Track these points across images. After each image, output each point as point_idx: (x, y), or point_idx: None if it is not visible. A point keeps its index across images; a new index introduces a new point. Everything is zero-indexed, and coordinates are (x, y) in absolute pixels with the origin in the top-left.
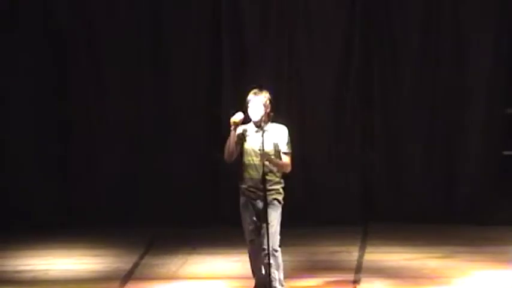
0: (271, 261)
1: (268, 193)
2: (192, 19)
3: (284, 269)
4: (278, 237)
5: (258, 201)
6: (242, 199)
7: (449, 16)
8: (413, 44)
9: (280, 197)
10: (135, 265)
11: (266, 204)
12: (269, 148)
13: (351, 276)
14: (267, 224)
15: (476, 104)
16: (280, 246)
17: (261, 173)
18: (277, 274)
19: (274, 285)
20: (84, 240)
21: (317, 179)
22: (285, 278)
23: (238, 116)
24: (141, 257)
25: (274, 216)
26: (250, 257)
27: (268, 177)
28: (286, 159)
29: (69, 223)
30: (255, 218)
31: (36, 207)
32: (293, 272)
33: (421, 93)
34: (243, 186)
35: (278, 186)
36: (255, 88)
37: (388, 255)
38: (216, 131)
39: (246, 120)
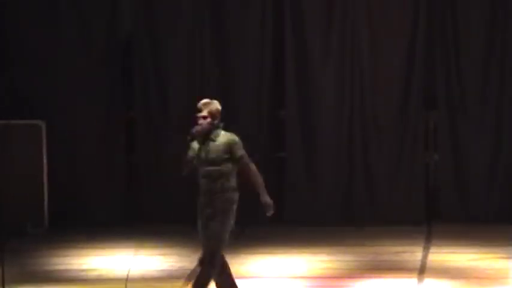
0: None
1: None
2: (253, 20)
3: (347, 269)
4: None
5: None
6: (234, 207)
7: None
8: (478, 41)
9: None
10: None
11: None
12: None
13: (414, 276)
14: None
15: None
16: None
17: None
18: None
19: None
20: (148, 239)
21: (381, 179)
22: (349, 277)
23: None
24: None
25: None
26: (222, 268)
27: None
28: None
29: (135, 222)
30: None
31: (102, 206)
32: (357, 272)
33: (486, 91)
34: (237, 194)
35: None
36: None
37: (452, 255)
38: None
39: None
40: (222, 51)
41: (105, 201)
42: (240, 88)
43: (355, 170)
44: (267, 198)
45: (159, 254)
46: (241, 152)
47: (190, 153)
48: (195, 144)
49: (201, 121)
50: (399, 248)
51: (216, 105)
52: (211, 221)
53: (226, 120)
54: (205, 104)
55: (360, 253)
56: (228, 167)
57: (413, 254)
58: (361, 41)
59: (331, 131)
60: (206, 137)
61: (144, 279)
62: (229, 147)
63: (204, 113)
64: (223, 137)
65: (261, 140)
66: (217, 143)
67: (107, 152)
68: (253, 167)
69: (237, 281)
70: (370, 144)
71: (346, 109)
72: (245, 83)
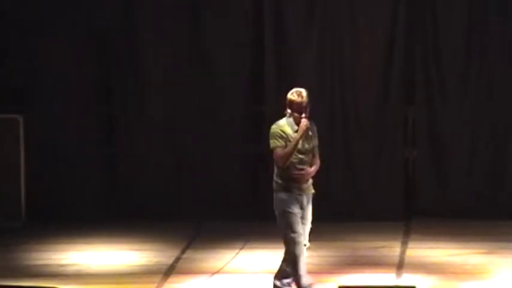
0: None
1: (308, 187)
2: (232, 18)
3: (326, 264)
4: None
5: (303, 196)
6: (286, 195)
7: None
8: (458, 34)
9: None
10: (177, 259)
11: (308, 200)
12: (310, 145)
13: (393, 272)
14: (307, 219)
15: None
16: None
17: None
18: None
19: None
20: (126, 235)
21: (361, 174)
22: (326, 273)
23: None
24: (183, 252)
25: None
26: (298, 255)
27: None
28: (318, 154)
29: (113, 218)
30: (300, 213)
31: (82, 201)
32: (336, 267)
33: (465, 86)
34: (289, 182)
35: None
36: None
37: (430, 250)
38: (258, 127)
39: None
40: (201, 46)
41: (84, 196)
42: (219, 84)
43: (334, 165)
44: None
45: (137, 249)
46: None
47: (281, 142)
48: (288, 132)
49: (305, 114)
50: (378, 243)
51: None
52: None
53: (208, 115)
54: (306, 96)
55: (339, 248)
56: None
57: (392, 249)
58: (341, 36)
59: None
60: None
61: (121, 275)
62: (316, 134)
63: (306, 104)
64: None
65: (241, 136)
66: (310, 133)
67: (86, 147)
68: None
69: (215, 277)
70: (349, 139)
71: (326, 105)
72: (225, 78)
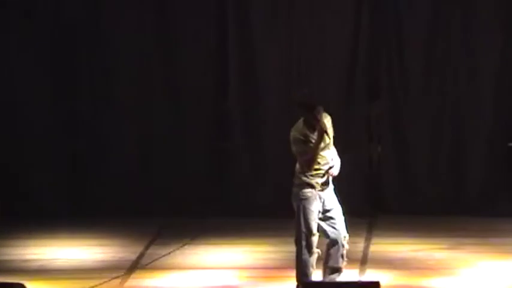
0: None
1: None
2: (198, 11)
3: (291, 260)
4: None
5: (325, 192)
6: (310, 191)
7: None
8: (422, 31)
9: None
10: (141, 255)
11: (331, 194)
12: (331, 142)
13: (356, 267)
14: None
15: (485, 96)
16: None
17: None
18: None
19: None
20: (90, 230)
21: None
22: (291, 268)
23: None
24: (147, 247)
25: (339, 205)
26: (310, 250)
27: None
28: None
29: (77, 213)
30: (320, 210)
31: (44, 197)
32: None
33: (429, 83)
34: (314, 180)
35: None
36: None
37: (394, 246)
38: (224, 123)
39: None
40: (166, 40)
41: (48, 192)
42: (184, 79)
43: None
44: None
45: (101, 245)
46: None
47: (304, 148)
48: (308, 134)
49: (318, 116)
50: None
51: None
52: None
53: (173, 111)
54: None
55: None
56: None
57: (356, 244)
58: (305, 34)
59: (275, 123)
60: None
61: (85, 270)
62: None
63: (319, 107)
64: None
65: (207, 133)
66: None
67: (50, 143)
68: None
69: (180, 273)
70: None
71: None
72: (189, 74)
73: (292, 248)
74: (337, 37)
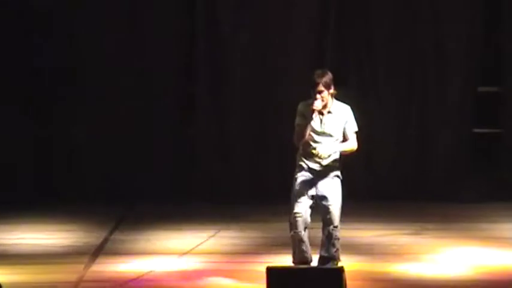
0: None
1: (328, 170)
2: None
3: (257, 245)
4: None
5: (318, 177)
6: (298, 173)
7: None
8: (389, 20)
9: (339, 173)
10: (105, 240)
11: (327, 181)
12: (332, 129)
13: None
14: (328, 201)
15: (450, 82)
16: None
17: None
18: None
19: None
20: (54, 216)
21: (291, 160)
22: (256, 253)
23: (319, 104)
24: (111, 233)
25: (336, 193)
26: (292, 229)
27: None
28: (352, 138)
29: (40, 199)
30: (309, 193)
31: (7, 182)
32: (264, 248)
33: (394, 72)
34: (303, 162)
35: (336, 164)
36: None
37: (358, 231)
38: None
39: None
40: (133, 25)
41: (12, 178)
42: (152, 66)
43: (267, 148)
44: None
45: (65, 230)
46: (356, 126)
47: (300, 121)
48: (306, 113)
49: (318, 96)
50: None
51: (330, 75)
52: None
53: (140, 97)
54: (320, 76)
55: (267, 229)
56: (340, 139)
57: (320, 230)
58: (273, 28)
59: (243, 110)
60: (324, 109)
61: (49, 255)
62: (346, 119)
63: (321, 86)
64: (340, 108)
65: (174, 119)
66: (334, 114)
67: (16, 128)
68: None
69: (143, 258)
70: (282, 130)
71: (257, 89)
72: (157, 61)
73: (257, 233)
74: (303, 33)
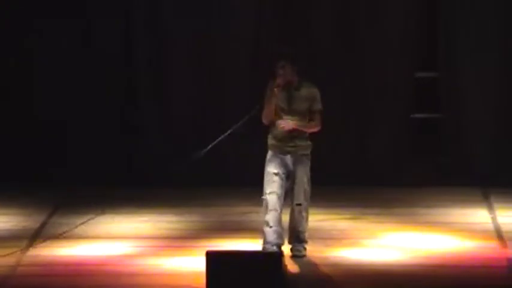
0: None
1: (296, 148)
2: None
3: (195, 230)
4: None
5: (288, 156)
6: (270, 153)
7: None
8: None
9: (308, 153)
10: (43, 224)
11: (295, 160)
12: (298, 106)
13: (260, 237)
14: (296, 179)
15: (386, 67)
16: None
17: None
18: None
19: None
20: None
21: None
22: (195, 238)
23: (281, 81)
24: (50, 216)
25: (303, 172)
26: (266, 209)
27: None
28: (317, 118)
29: None
30: (279, 172)
31: None
32: (203, 232)
33: (336, 54)
34: (271, 141)
35: (304, 143)
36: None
37: None
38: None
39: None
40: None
41: None
42: (99, 59)
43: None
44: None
45: (3, 214)
46: (321, 105)
47: (267, 98)
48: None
49: (281, 71)
50: (246, 209)
51: (294, 49)
52: (296, 168)
53: (85, 82)
54: (283, 50)
55: (207, 213)
56: (306, 118)
57: (259, 215)
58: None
59: (186, 94)
60: (289, 86)
61: None
62: (313, 98)
63: (283, 62)
64: (307, 87)
65: (117, 104)
66: (300, 93)
67: None
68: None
69: (83, 243)
70: (225, 106)
71: (200, 73)
72: (103, 53)
73: (196, 218)
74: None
